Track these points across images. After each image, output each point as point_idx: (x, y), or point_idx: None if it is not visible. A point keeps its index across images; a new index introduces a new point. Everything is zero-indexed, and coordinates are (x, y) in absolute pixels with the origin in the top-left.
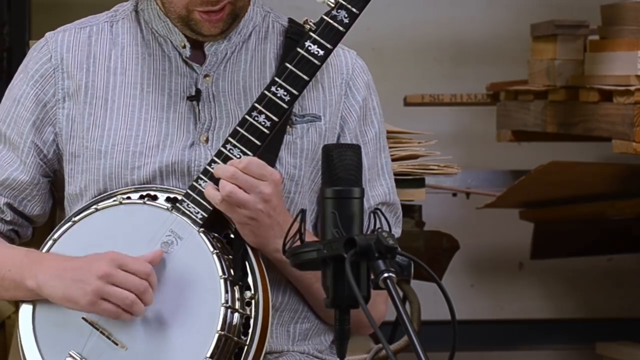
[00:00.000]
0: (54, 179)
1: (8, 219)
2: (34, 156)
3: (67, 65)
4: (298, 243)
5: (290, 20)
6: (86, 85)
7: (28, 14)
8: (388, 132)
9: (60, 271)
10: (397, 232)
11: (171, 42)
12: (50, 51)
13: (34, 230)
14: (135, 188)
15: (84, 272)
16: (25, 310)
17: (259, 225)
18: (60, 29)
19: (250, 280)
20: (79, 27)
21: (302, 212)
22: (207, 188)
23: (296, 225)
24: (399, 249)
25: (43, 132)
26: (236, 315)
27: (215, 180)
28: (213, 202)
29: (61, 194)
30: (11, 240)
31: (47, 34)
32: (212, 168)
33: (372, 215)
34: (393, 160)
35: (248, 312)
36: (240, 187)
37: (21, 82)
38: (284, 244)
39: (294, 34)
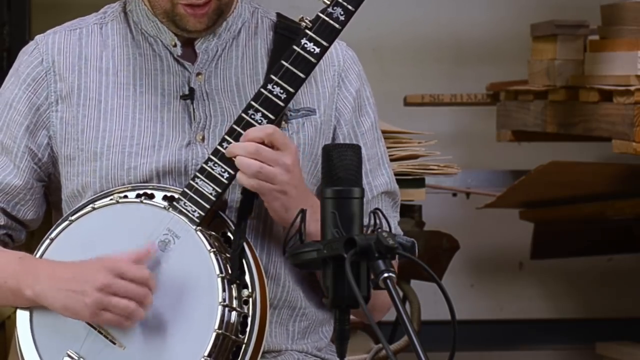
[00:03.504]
0: (48, 183)
1: (1, 223)
2: (27, 160)
3: (59, 68)
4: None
5: (279, 15)
6: (79, 87)
7: (28, 14)
8: (388, 132)
9: (57, 282)
10: (396, 216)
11: (161, 41)
12: (42, 54)
13: (31, 233)
14: (132, 187)
15: (82, 283)
16: (23, 311)
17: (288, 198)
18: (50, 32)
19: (247, 278)
20: (68, 29)
21: (302, 212)
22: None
23: (296, 225)
24: (402, 232)
25: (37, 136)
26: (234, 313)
27: (214, 179)
28: (246, 183)
29: (55, 197)
30: (5, 244)
31: (37, 37)
32: (209, 166)
33: (372, 215)
34: (393, 160)
35: (246, 311)
36: (262, 162)
37: (13, 86)
38: (285, 244)
39: (284, 29)
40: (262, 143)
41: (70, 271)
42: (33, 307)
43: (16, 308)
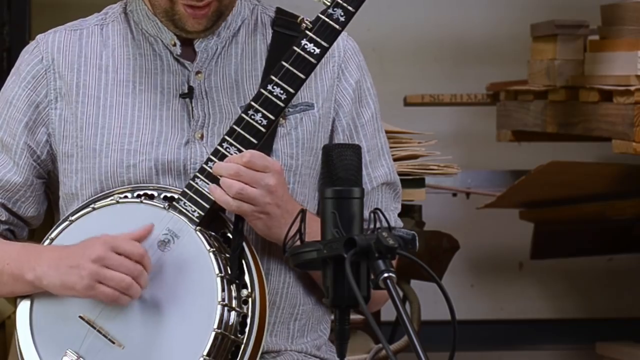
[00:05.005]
0: (48, 181)
1: (3, 219)
2: (27, 157)
3: (58, 66)
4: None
5: (278, 11)
6: (77, 85)
7: (28, 14)
8: (388, 132)
9: (57, 260)
10: (397, 207)
11: (161, 41)
12: (42, 52)
13: (32, 233)
14: (132, 187)
15: (78, 257)
16: (23, 310)
17: (270, 218)
18: (50, 31)
19: (247, 278)
20: (69, 29)
21: (302, 212)
22: (215, 191)
23: (296, 225)
24: (402, 224)
25: (36, 133)
26: (233, 313)
27: (213, 179)
28: (225, 204)
29: (56, 195)
30: (7, 240)
31: (38, 36)
32: (209, 166)
33: (371, 215)
34: (393, 160)
35: (245, 311)
36: (245, 183)
37: (13, 84)
38: (284, 244)
39: (282, 25)
40: None
41: (70, 249)
42: (33, 304)
43: (16, 304)
